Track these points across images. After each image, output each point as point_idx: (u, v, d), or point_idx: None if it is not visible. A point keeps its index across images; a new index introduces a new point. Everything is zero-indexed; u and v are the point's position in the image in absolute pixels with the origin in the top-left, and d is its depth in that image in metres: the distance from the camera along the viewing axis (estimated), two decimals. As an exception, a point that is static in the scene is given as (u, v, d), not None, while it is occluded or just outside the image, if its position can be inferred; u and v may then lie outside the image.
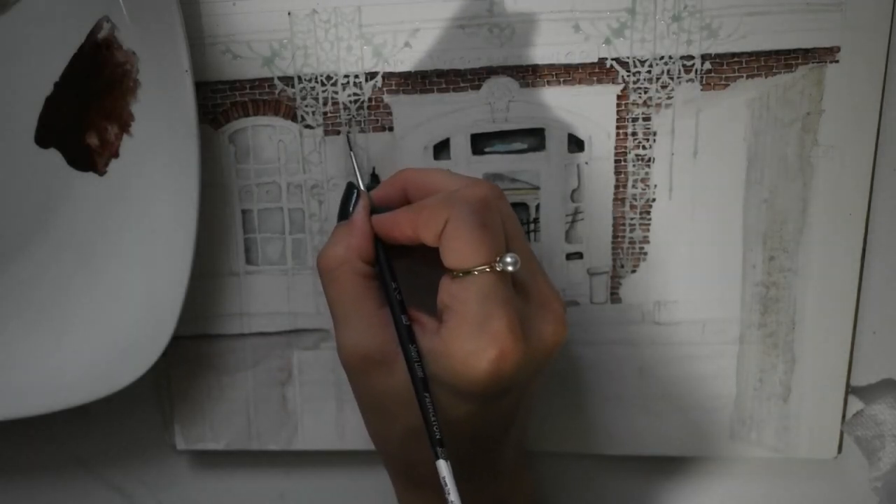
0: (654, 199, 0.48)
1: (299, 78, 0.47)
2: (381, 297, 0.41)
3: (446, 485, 0.36)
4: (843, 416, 0.50)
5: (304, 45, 0.47)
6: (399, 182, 0.42)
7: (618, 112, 0.47)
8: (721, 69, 0.46)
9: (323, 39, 0.47)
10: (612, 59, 0.46)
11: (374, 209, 0.42)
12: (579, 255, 0.49)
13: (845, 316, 0.48)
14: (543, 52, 0.46)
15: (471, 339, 0.36)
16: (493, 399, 0.38)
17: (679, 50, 0.46)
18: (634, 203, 0.48)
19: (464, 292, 0.36)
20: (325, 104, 0.48)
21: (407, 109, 0.47)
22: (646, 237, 0.48)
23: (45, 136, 0.46)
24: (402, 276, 0.42)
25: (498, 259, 0.36)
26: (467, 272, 0.36)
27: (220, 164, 0.49)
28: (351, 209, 0.42)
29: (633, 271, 0.49)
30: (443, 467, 0.37)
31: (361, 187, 0.43)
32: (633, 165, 0.47)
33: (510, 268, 0.36)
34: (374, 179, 0.49)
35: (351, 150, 0.46)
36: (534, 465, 0.54)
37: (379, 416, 0.42)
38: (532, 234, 0.49)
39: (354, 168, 0.44)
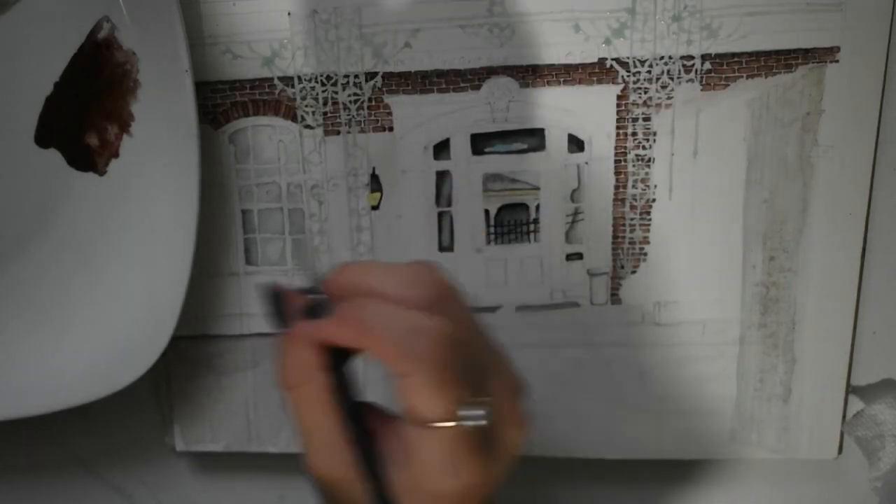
0: (654, 199, 0.48)
1: (299, 78, 0.47)
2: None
3: None
4: (844, 417, 0.50)
5: (304, 45, 0.47)
6: (337, 287, 0.37)
7: (618, 112, 0.47)
8: (721, 69, 0.46)
9: (323, 39, 0.47)
10: (612, 59, 0.46)
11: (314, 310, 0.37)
12: (579, 256, 0.49)
13: (845, 316, 0.48)
14: (543, 52, 0.46)
15: (442, 482, 0.35)
16: None
17: (679, 50, 0.46)
18: (634, 203, 0.48)
19: (429, 445, 0.35)
20: (325, 104, 0.48)
21: (407, 109, 0.47)
22: (646, 237, 0.48)
23: (45, 136, 0.46)
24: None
25: (461, 415, 0.34)
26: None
27: (220, 164, 0.49)
28: (285, 317, 0.37)
29: (634, 272, 0.49)
30: None
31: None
32: (633, 165, 0.47)
33: (483, 422, 0.35)
34: (375, 180, 0.49)
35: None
36: (534, 469, 0.54)
37: None
38: (532, 235, 0.49)
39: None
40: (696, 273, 0.48)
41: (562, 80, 0.46)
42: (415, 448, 0.36)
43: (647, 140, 0.47)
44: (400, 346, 0.34)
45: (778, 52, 0.45)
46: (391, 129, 0.48)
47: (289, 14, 0.46)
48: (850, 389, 0.49)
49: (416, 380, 0.34)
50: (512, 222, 0.49)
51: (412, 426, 0.35)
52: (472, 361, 0.36)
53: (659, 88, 0.46)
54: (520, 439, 0.38)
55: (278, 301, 0.37)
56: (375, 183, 0.49)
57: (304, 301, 0.37)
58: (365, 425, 0.37)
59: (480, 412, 0.35)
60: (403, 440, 0.36)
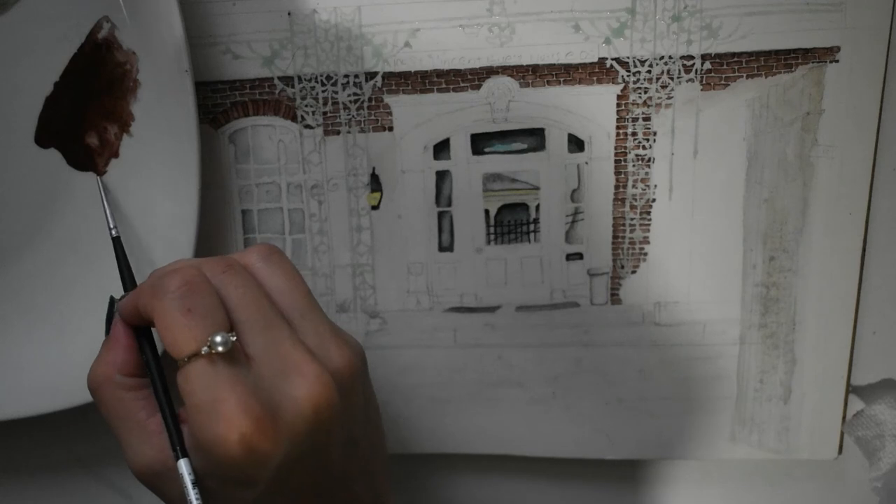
0: (654, 199, 0.48)
1: (299, 78, 0.47)
2: (151, 405, 0.38)
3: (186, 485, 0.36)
4: (844, 417, 0.50)
5: (304, 45, 0.47)
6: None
7: (618, 112, 0.47)
8: (721, 69, 0.46)
9: (323, 39, 0.47)
10: (612, 59, 0.46)
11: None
12: (579, 256, 0.49)
13: (845, 316, 0.48)
14: (543, 52, 0.46)
15: (208, 429, 0.34)
16: (269, 479, 0.36)
17: (679, 50, 0.46)
18: (634, 203, 0.48)
19: (187, 383, 0.35)
20: (325, 104, 0.48)
21: (407, 109, 0.47)
22: (646, 237, 0.48)
23: (45, 136, 0.46)
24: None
25: (208, 342, 0.34)
26: (187, 360, 0.35)
27: (220, 164, 0.49)
28: (110, 324, 0.40)
29: (634, 272, 0.49)
30: (182, 466, 0.36)
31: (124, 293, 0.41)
32: (633, 165, 0.47)
33: (220, 348, 0.34)
34: (375, 180, 0.49)
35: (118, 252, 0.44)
36: (534, 469, 0.54)
37: None
38: (532, 235, 0.49)
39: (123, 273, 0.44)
40: (696, 273, 0.48)
41: (562, 80, 0.46)
42: (182, 397, 0.35)
43: (647, 140, 0.47)
44: (147, 285, 0.36)
45: (778, 52, 0.45)
46: (391, 129, 0.48)
47: (289, 14, 0.46)
48: (850, 389, 0.49)
49: (159, 314, 0.35)
50: (512, 222, 0.49)
51: (178, 373, 0.35)
52: (246, 310, 0.36)
53: (659, 88, 0.46)
54: (316, 400, 0.36)
55: (112, 309, 0.40)
56: (375, 183, 0.49)
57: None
58: (174, 411, 0.38)
59: (224, 339, 0.34)
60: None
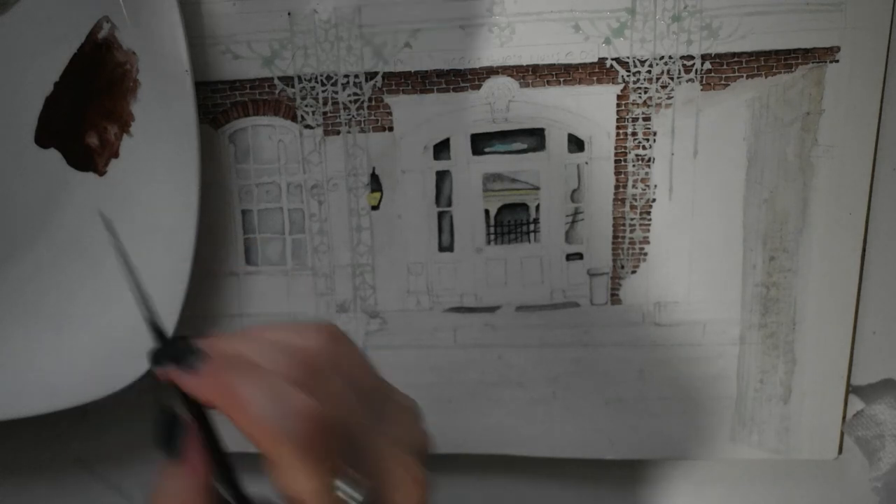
0: (654, 199, 0.48)
1: (299, 78, 0.47)
2: None
3: None
4: (844, 417, 0.50)
5: (304, 45, 0.47)
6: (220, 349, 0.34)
7: (618, 112, 0.47)
8: (721, 69, 0.46)
9: (323, 39, 0.47)
10: (612, 59, 0.46)
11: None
12: (579, 256, 0.49)
13: (845, 316, 0.48)
14: (543, 52, 0.46)
15: None
16: None
17: (679, 50, 0.46)
18: (634, 203, 0.48)
19: None
20: (325, 104, 0.48)
21: (407, 109, 0.47)
22: (646, 237, 0.48)
23: (45, 136, 0.46)
24: None
25: (338, 491, 0.32)
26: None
27: (220, 164, 0.49)
28: (178, 444, 0.34)
29: (634, 272, 0.49)
30: None
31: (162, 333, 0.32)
32: (633, 165, 0.47)
33: (353, 501, 0.33)
34: (375, 180, 0.49)
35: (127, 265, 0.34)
36: (534, 469, 0.54)
37: None
38: (532, 235, 0.49)
39: (150, 314, 0.33)
40: (696, 273, 0.48)
41: (562, 80, 0.46)
42: None
43: (647, 140, 0.47)
44: (265, 424, 0.32)
45: (778, 52, 0.45)
46: (391, 129, 0.48)
47: (289, 14, 0.46)
48: (850, 389, 0.49)
49: (284, 462, 0.32)
50: (512, 222, 0.49)
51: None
52: (355, 437, 0.35)
53: (659, 88, 0.46)
54: (414, 499, 0.36)
55: (170, 423, 0.33)
56: (375, 183, 0.49)
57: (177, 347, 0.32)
58: None
59: (357, 494, 0.33)
60: None
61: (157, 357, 0.32)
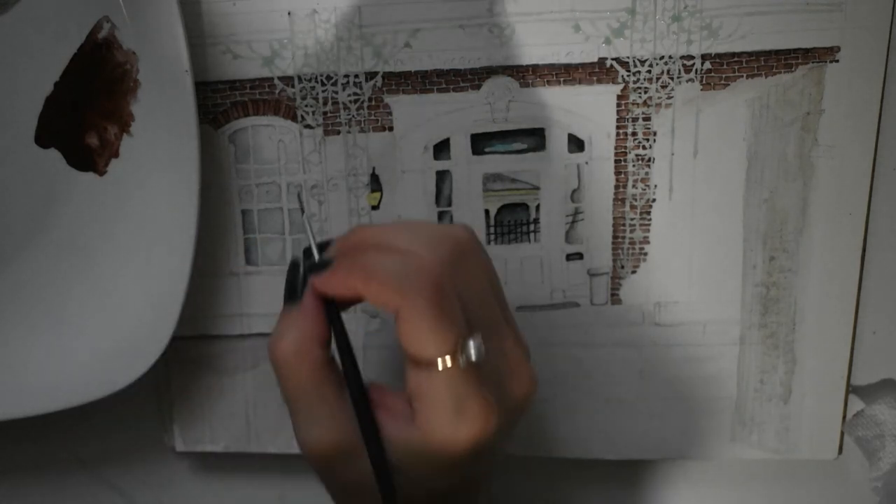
0: (654, 199, 0.48)
1: (299, 78, 0.47)
2: (339, 382, 0.38)
3: None
4: (844, 417, 0.50)
5: (304, 45, 0.47)
6: (352, 244, 0.38)
7: (618, 112, 0.47)
8: (721, 69, 0.46)
9: (323, 39, 0.47)
10: (612, 59, 0.46)
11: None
12: (579, 256, 0.49)
13: (845, 316, 0.48)
14: (543, 52, 0.46)
15: (448, 426, 0.35)
16: (468, 468, 0.37)
17: (679, 50, 0.46)
18: (634, 203, 0.48)
19: (432, 384, 0.35)
20: (325, 104, 0.48)
21: (407, 109, 0.47)
22: (646, 237, 0.48)
23: (45, 136, 0.46)
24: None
25: (461, 351, 0.35)
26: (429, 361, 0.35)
27: (220, 164, 0.49)
28: (299, 291, 0.38)
29: (634, 272, 0.49)
30: None
31: (316, 255, 0.37)
32: (633, 165, 0.47)
33: (473, 357, 0.35)
34: (375, 180, 0.49)
35: (303, 213, 0.40)
36: (534, 470, 0.54)
37: (347, 499, 0.40)
38: (532, 235, 0.49)
39: (310, 236, 0.38)
40: (696, 273, 0.48)
41: (562, 80, 0.46)
42: (417, 397, 0.35)
43: (647, 140, 0.47)
44: (392, 282, 0.35)
45: (778, 52, 0.45)
46: (391, 129, 0.48)
47: (289, 14, 0.46)
48: (850, 389, 0.49)
49: (409, 315, 0.34)
50: (512, 222, 0.49)
51: (412, 371, 0.35)
52: (478, 313, 0.36)
53: (659, 88, 0.46)
54: (527, 395, 0.38)
55: (295, 272, 0.38)
56: (375, 183, 0.49)
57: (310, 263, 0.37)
58: (365, 392, 0.37)
59: (477, 345, 0.35)
60: (406, 397, 0.36)
61: (297, 289, 0.38)
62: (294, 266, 0.39)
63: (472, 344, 0.35)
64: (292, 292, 0.38)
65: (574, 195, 0.48)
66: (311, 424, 0.38)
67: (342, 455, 0.37)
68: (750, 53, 0.45)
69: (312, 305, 0.37)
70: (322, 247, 0.38)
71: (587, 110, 0.47)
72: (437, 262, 0.35)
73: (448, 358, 0.34)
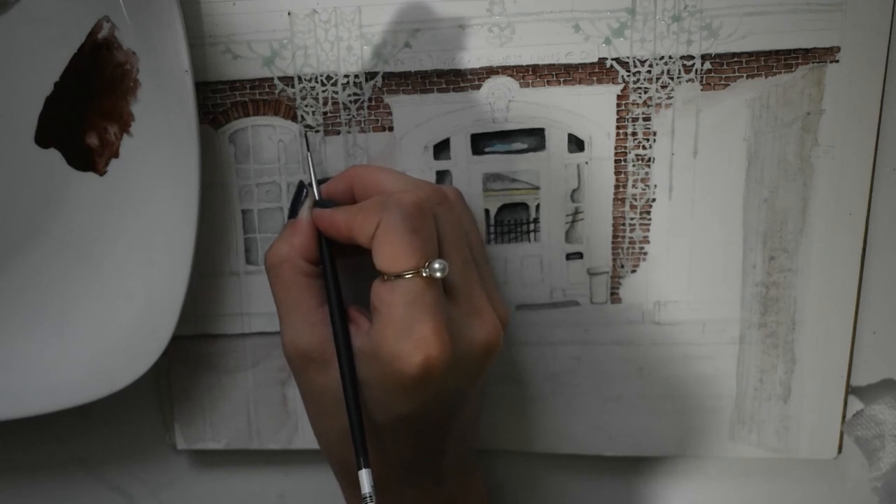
0: (654, 199, 0.48)
1: (299, 78, 0.47)
2: (322, 296, 0.41)
3: (366, 490, 0.37)
4: (843, 417, 0.50)
5: (304, 45, 0.47)
6: (347, 179, 0.43)
7: (618, 112, 0.47)
8: (721, 69, 0.46)
9: (323, 39, 0.47)
10: (612, 59, 0.46)
11: (323, 206, 0.43)
12: (579, 255, 0.49)
13: (845, 316, 0.48)
14: (543, 52, 0.46)
15: (397, 343, 0.36)
16: (425, 403, 0.38)
17: (679, 50, 0.46)
18: (634, 203, 0.48)
19: (391, 295, 0.37)
20: (325, 104, 0.48)
21: (407, 109, 0.47)
22: (646, 237, 0.48)
23: (45, 136, 0.46)
24: (349, 274, 0.43)
25: (426, 265, 0.37)
26: (396, 276, 0.37)
27: (220, 164, 0.49)
28: (298, 209, 0.43)
29: (634, 271, 0.49)
30: (363, 477, 0.37)
31: (314, 185, 0.43)
32: (633, 165, 0.47)
33: (437, 274, 0.36)
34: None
35: (308, 150, 0.45)
36: (534, 466, 0.54)
37: (318, 415, 0.43)
38: (532, 234, 0.49)
39: (310, 166, 0.44)
40: (696, 273, 0.48)
41: (562, 80, 0.46)
42: (376, 307, 0.38)
43: (647, 140, 0.47)
44: (375, 204, 0.38)
45: (778, 52, 0.45)
46: (391, 129, 0.48)
47: (289, 14, 0.46)
48: (850, 389, 0.49)
49: (386, 227, 0.37)
50: (512, 222, 0.49)
51: (378, 284, 0.38)
52: (451, 251, 0.39)
53: (659, 88, 0.46)
54: (489, 345, 0.39)
55: (299, 194, 0.44)
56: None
57: (318, 196, 0.43)
58: (343, 306, 0.41)
59: (442, 266, 0.37)
60: (370, 310, 0.38)
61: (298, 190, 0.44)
62: (300, 188, 0.43)
63: (437, 265, 0.36)
64: (294, 209, 0.43)
65: (574, 195, 0.48)
66: (288, 328, 0.41)
67: (313, 361, 0.40)
68: (750, 53, 0.45)
69: (305, 224, 0.41)
70: (321, 182, 0.44)
71: (587, 110, 0.47)
72: (421, 193, 0.39)
73: (412, 273, 0.36)
